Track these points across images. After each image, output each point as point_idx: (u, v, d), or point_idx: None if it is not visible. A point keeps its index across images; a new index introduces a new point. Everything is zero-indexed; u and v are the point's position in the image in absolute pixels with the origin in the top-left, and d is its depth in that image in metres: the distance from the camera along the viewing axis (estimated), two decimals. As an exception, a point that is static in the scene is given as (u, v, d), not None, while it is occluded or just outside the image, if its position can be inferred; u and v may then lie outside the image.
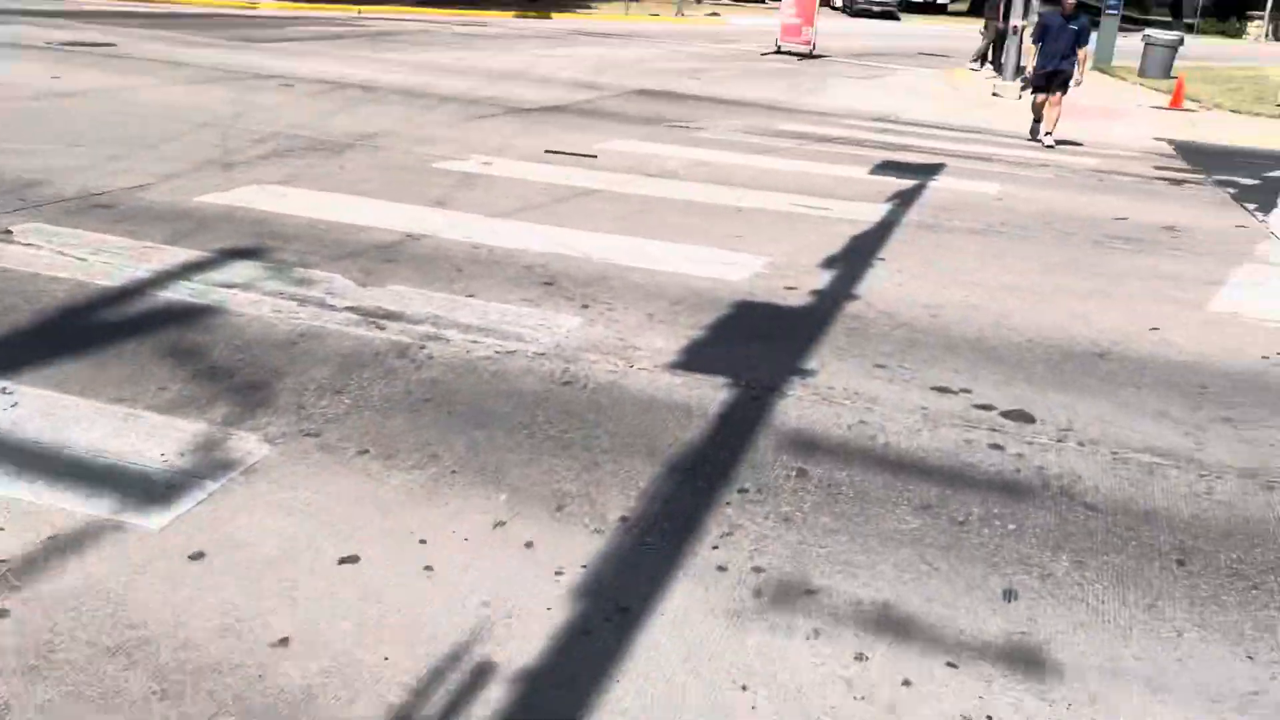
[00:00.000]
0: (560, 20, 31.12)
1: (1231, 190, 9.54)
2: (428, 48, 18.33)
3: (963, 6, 51.59)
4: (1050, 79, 11.61)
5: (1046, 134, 11.91)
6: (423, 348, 4.23)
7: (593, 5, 40.68)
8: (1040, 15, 12.48)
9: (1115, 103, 16.92)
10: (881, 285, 5.57)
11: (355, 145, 8.44)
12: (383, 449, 3.38)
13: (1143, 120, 15.24)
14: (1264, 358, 4.79)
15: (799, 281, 5.52)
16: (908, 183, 8.52)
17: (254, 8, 28.32)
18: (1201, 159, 11.91)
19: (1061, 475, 3.50)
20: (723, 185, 7.90)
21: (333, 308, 4.61)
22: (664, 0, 45.34)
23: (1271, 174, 11.03)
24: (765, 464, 3.45)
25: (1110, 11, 20.68)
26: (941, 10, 48.73)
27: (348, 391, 3.79)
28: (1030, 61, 11.96)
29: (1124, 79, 19.54)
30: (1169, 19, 56.16)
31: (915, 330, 4.87)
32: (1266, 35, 45.89)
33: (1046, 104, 11.83)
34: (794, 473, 3.40)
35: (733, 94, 14.90)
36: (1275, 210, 8.43)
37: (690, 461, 3.44)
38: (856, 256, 6.10)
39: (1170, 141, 13.61)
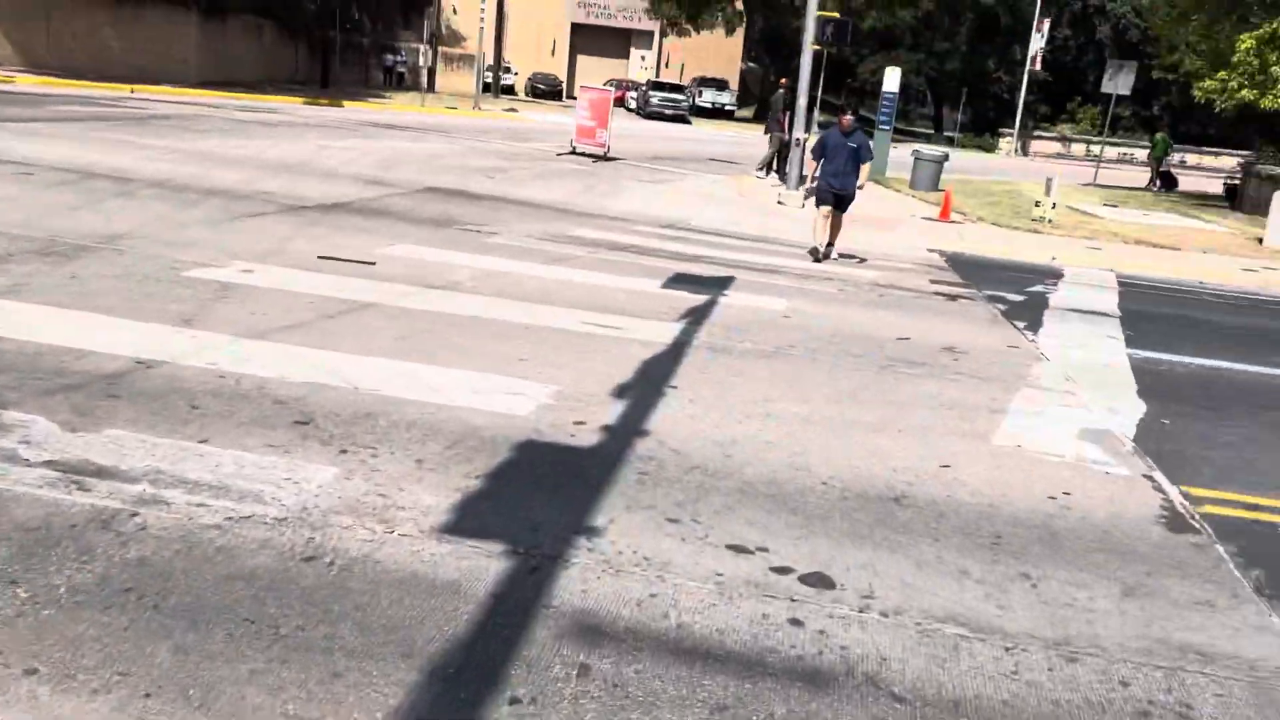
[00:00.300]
0: (352, 109, 30.40)
1: (1001, 307, 10.00)
2: (203, 134, 17.26)
3: (748, 114, 54.41)
4: (838, 200, 11.79)
5: (829, 245, 12.11)
6: (134, 515, 3.53)
7: (387, 95, 40.14)
8: (820, 132, 12.72)
9: (890, 213, 17.85)
10: (674, 418, 5.26)
11: (94, 249, 7.52)
12: (57, 666, 2.68)
13: (915, 231, 16.09)
14: (1050, 498, 4.76)
15: (588, 415, 5.14)
16: (699, 298, 8.40)
17: (9, 81, 26.15)
18: (971, 271, 12.56)
19: (866, 657, 3.19)
20: (512, 299, 7.49)
21: (26, 462, 3.82)
22: (461, 94, 45.46)
23: (1033, 289, 11.71)
24: (543, 661, 2.97)
25: (883, 127, 22.05)
26: (729, 116, 51.13)
27: (24, 582, 3.05)
28: (812, 173, 12.14)
29: (897, 190, 20.77)
30: (931, 131, 61.39)
31: (708, 473, 4.56)
32: (1015, 150, 50.64)
33: (830, 219, 11.96)
34: (575, 670, 2.94)
35: (528, 195, 14.68)
36: (1042, 329, 8.84)
37: (455, 662, 2.92)
38: (648, 384, 5.79)
39: (941, 253, 14.36)
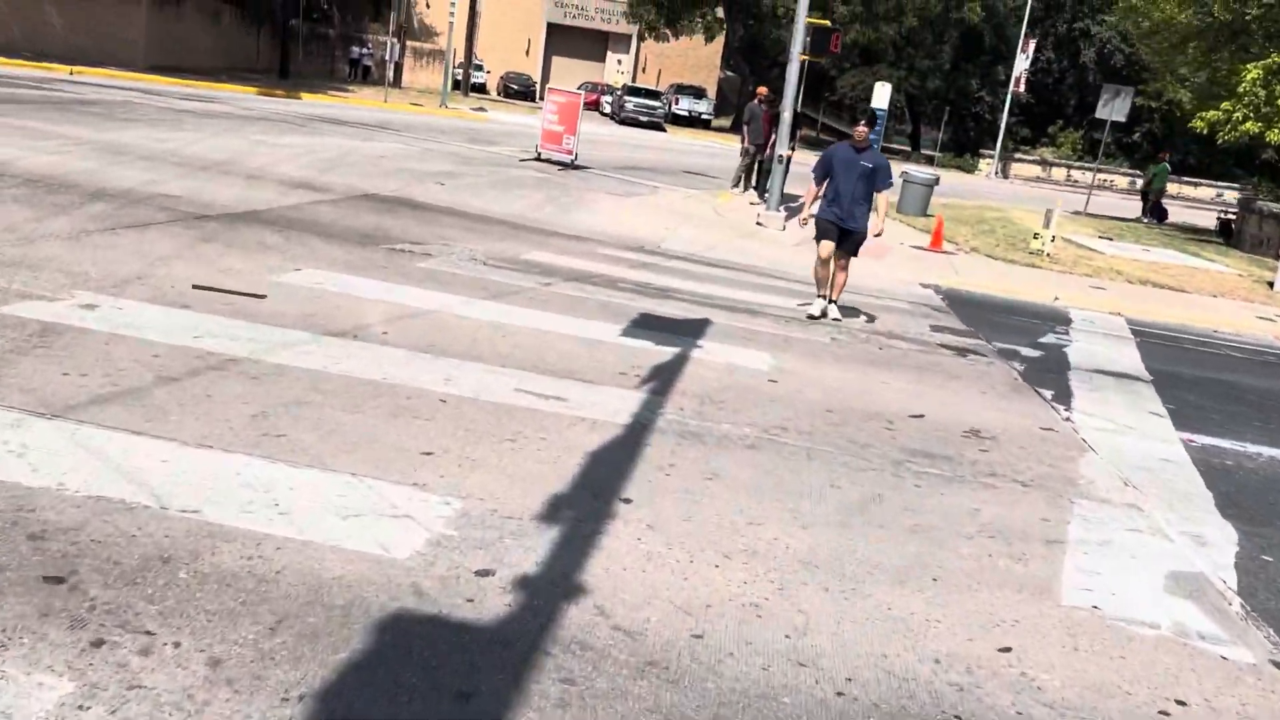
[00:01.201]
0: (309, 102, 28.63)
1: (1018, 366, 8.57)
2: (128, 124, 15.53)
3: (726, 123, 53.10)
4: (843, 237, 9.05)
5: (830, 302, 9.30)
6: None
7: (350, 89, 38.32)
8: (828, 150, 9.43)
9: (880, 241, 16.43)
10: (625, 559, 3.74)
11: (-101, 266, 5.88)
12: None
13: (907, 262, 14.70)
14: (1161, 714, 3.28)
15: (500, 556, 3.60)
16: (667, 351, 6.89)
17: (-71, 56, 24.16)
18: (973, 314, 11.16)
19: None
20: (429, 353, 5.93)
21: None
22: (429, 91, 43.72)
23: (1045, 339, 10.33)
24: None
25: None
26: (706, 125, 49.77)
27: None
28: (810, 201, 9.33)
29: (886, 214, 19.37)
30: (909, 148, 60.40)
31: (670, 676, 3.03)
32: (996, 173, 49.70)
33: (833, 262, 9.17)
34: None
35: (481, 207, 13.10)
36: (1075, 402, 7.42)
37: None
38: (593, 497, 4.26)
39: (937, 289, 12.98)
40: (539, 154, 19.85)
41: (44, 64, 26.03)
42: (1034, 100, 54.40)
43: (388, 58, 41.01)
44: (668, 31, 47.97)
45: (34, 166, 10.12)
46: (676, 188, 19.73)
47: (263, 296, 6.54)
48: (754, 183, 19.68)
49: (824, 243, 9.20)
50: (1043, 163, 52.68)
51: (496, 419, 4.98)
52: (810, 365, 7.33)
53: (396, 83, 44.31)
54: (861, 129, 9.08)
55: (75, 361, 4.78)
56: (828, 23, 16.31)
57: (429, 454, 4.40)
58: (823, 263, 9.25)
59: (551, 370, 5.97)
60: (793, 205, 18.59)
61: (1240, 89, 20.74)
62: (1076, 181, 52.20)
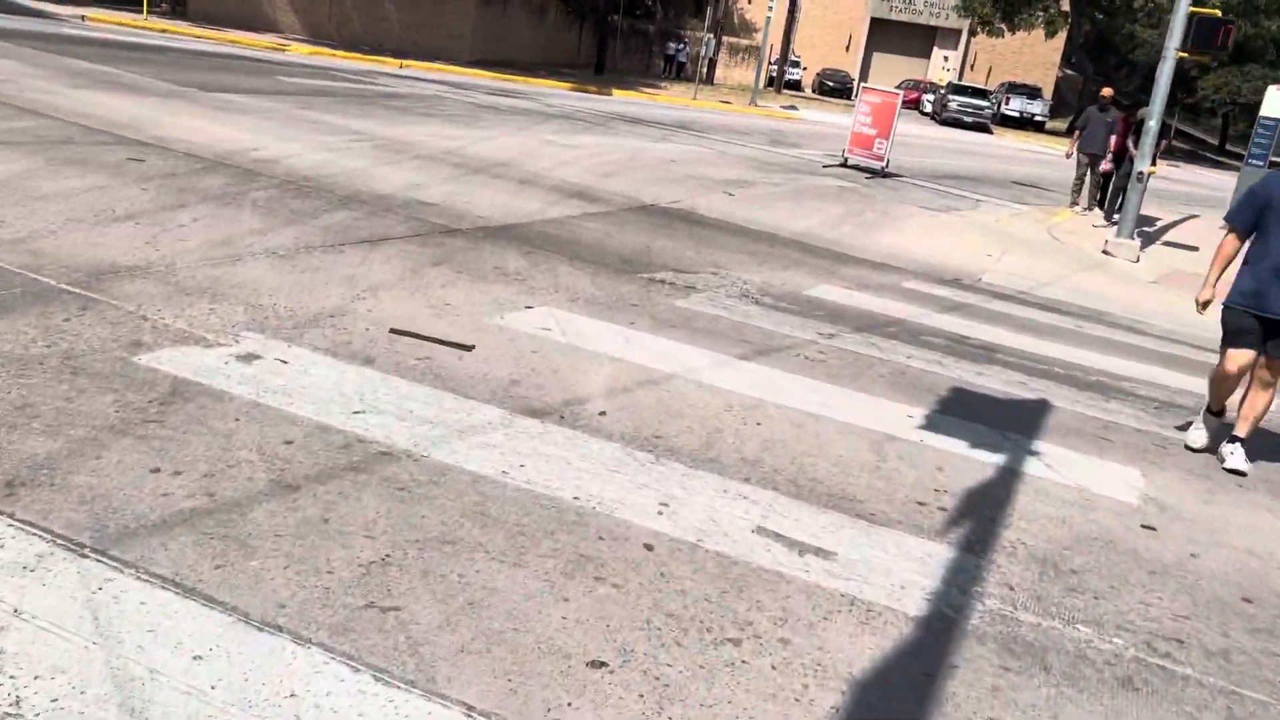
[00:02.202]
0: (617, 99, 28.26)
1: None
2: (423, 119, 15.30)
3: (1061, 125, 48.11)
4: (1269, 331, 5.42)
5: (1236, 441, 5.55)
6: None
7: (662, 85, 37.94)
8: (1265, 180, 5.68)
9: None
10: None
11: (62, 293, 5.12)
12: None
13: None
14: None
15: None
16: (988, 462, 4.92)
17: (279, 49, 25.90)
18: None
19: None
20: (651, 451, 4.37)
21: None
22: (741, 88, 42.61)
23: None
24: None
25: (1255, 163, 16.91)
26: (1039, 127, 45.24)
27: None
28: (1219, 267, 5.68)
29: None
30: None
31: None
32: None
33: (1251, 376, 5.59)
34: None
35: (770, 221, 11.48)
36: None
37: None
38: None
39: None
40: (845, 159, 17.92)
41: (378, 58, 27.30)
42: None
43: (703, 53, 40.37)
44: (1003, 26, 43.93)
45: (300, 166, 9.64)
46: (1003, 202, 17.12)
47: (470, 348, 5.27)
48: (1100, 201, 16.67)
49: (1237, 352, 5.52)
50: None
51: (719, 591, 3.32)
52: (1201, 497, 5.07)
53: (709, 79, 43.60)
54: None
55: (180, 448, 3.65)
56: (1217, 12, 13.15)
57: (600, 666, 2.83)
58: (1232, 367, 5.56)
59: (816, 493, 4.23)
60: (1148, 230, 15.50)
61: None
62: None
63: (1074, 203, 16.76)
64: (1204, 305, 5.79)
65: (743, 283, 8.09)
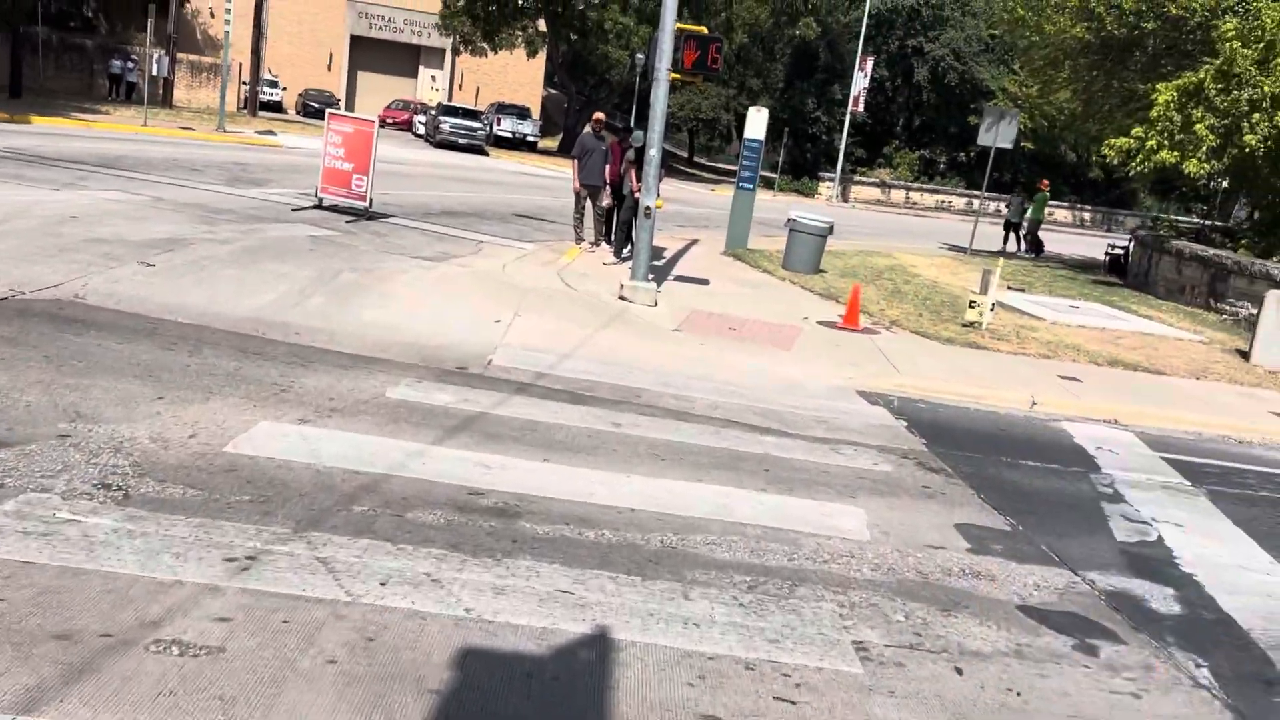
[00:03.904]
0: (35, 128, 22.60)
1: (1186, 660, 4.61)
2: None
3: (552, 145, 48.89)
4: None
5: None
6: None
7: (105, 110, 31.73)
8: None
9: (776, 314, 12.50)
10: None
11: None
12: None
13: (824, 350, 10.76)
14: None
15: None
16: None
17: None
18: (964, 460, 7.23)
19: None
20: None
21: None
22: (209, 111, 37.46)
23: (1104, 519, 6.49)
24: None
25: (745, 186, 16.76)
26: (532, 147, 45.35)
27: None
28: None
29: (767, 270, 15.49)
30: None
31: None
32: (836, 196, 47.46)
33: None
34: None
35: (203, 304, 8.29)
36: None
37: None
38: None
39: (886, 402, 9.07)
40: (320, 200, 14.97)
41: None
42: (869, 120, 52.69)
43: (155, 72, 34.79)
44: (485, 46, 43.33)
45: None
46: (507, 241, 15.25)
47: None
48: (606, 235, 15.43)
49: None
50: (882, 185, 50.97)
51: None
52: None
53: (167, 102, 37.92)
54: None
55: None
56: (704, 30, 12.25)
57: None
58: None
59: None
60: (658, 264, 14.45)
61: (1153, 114, 18.02)
62: (916, 204, 50.72)
63: (579, 238, 15.37)
64: None
65: (116, 447, 4.97)
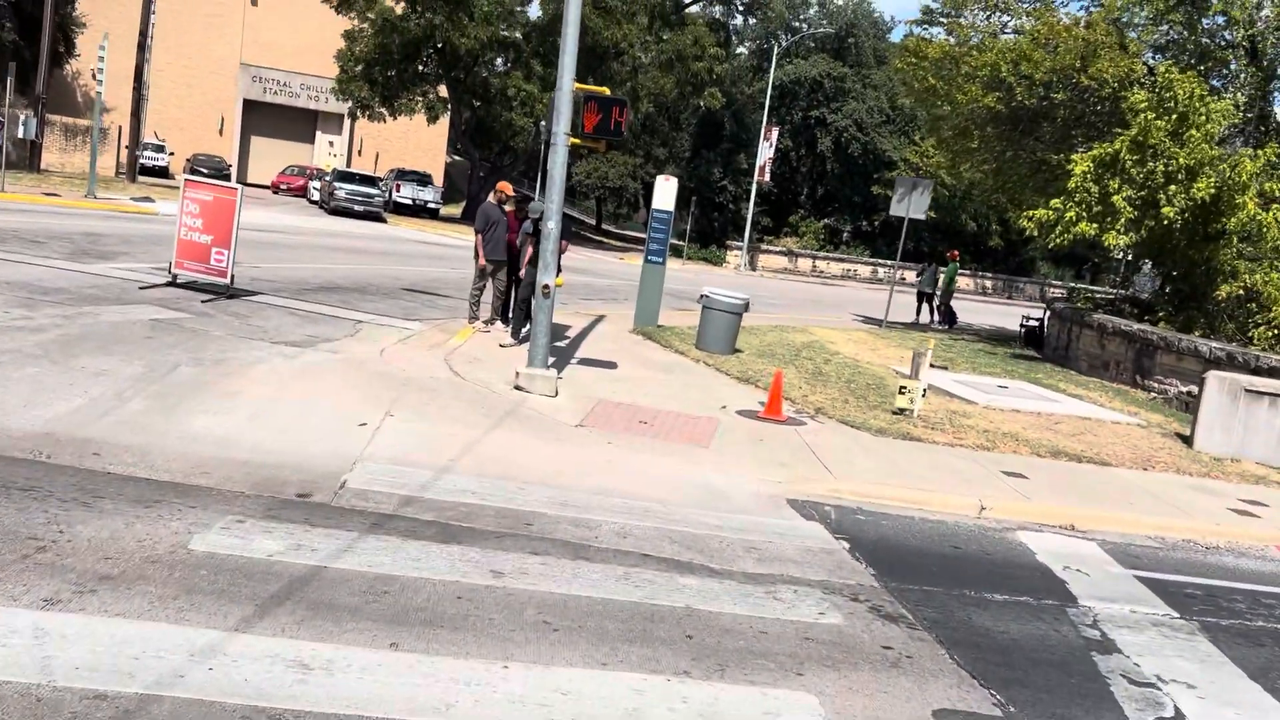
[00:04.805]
0: None
1: None
2: None
3: (455, 211, 47.44)
4: None
5: None
6: None
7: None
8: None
9: (691, 404, 11.18)
10: None
11: None
12: None
13: (746, 447, 9.45)
14: None
15: None
16: None
17: None
18: (917, 592, 5.95)
19: None
20: None
21: None
22: (81, 177, 35.01)
23: (1095, 680, 5.22)
24: None
25: (654, 260, 15.51)
26: (434, 214, 43.81)
27: None
28: None
29: (680, 352, 14.20)
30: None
31: None
32: (745, 265, 46.97)
33: None
34: None
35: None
36: None
37: None
38: None
39: (822, 515, 7.77)
40: (174, 276, 13.21)
41: None
42: (775, 189, 52.66)
43: (21, 134, 32.43)
44: (383, 111, 41.89)
45: None
46: (390, 320, 13.67)
47: None
48: (503, 313, 13.97)
49: None
50: (789, 253, 50.71)
51: None
52: None
53: (34, 165, 35.41)
54: None
55: None
56: (606, 90, 11.05)
57: None
58: None
59: None
60: (560, 345, 13.04)
61: (1070, 184, 17.48)
62: (822, 272, 50.53)
63: (473, 316, 13.88)
64: None
65: None
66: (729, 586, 5.89)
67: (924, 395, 11.82)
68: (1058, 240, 17.76)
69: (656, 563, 6.13)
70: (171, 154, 49.17)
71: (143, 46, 36.88)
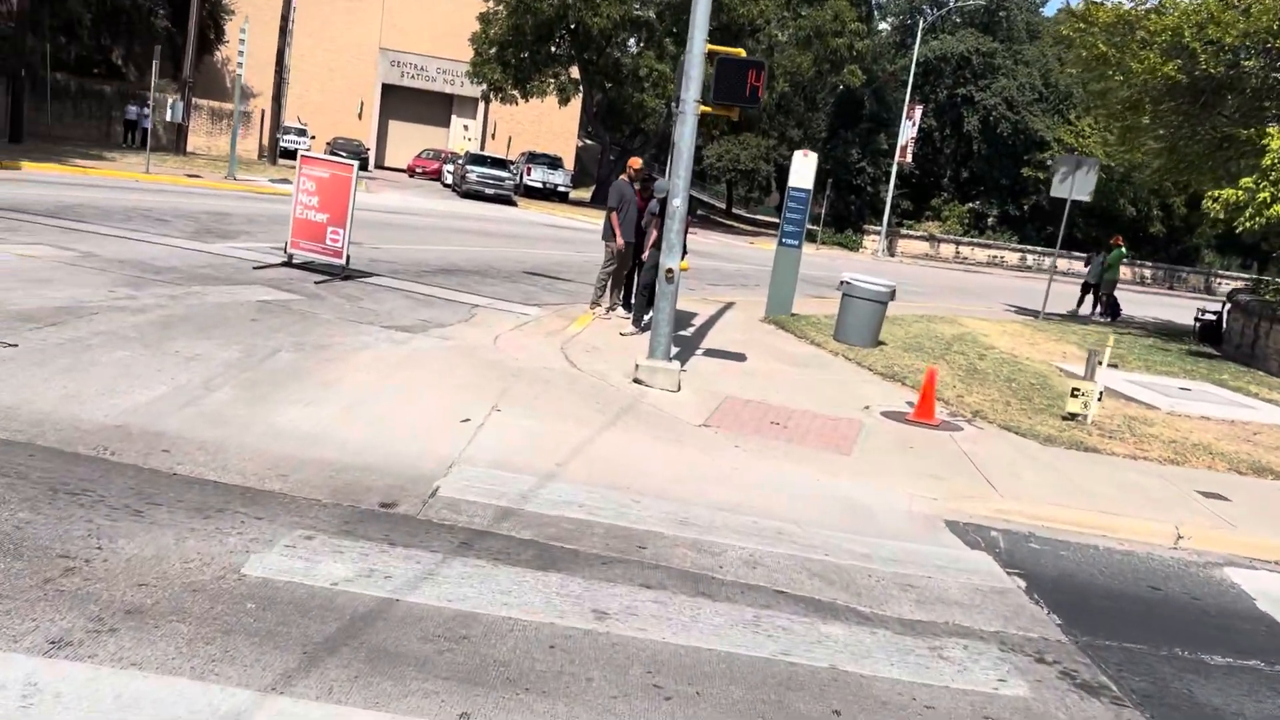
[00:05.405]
0: (24, 174, 20.85)
1: None
2: None
3: (585, 195, 46.95)
4: None
5: None
6: None
7: (110, 156, 30.14)
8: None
9: (829, 402, 10.02)
10: None
11: None
12: None
13: (892, 455, 8.26)
14: None
15: None
16: None
17: None
18: (1150, 686, 4.67)
19: None
20: None
21: None
22: (223, 159, 35.85)
23: None
24: None
25: (790, 242, 14.34)
26: (563, 198, 43.40)
27: None
28: None
29: (817, 344, 13.01)
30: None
31: None
32: (881, 251, 44.99)
33: None
34: None
35: (44, 404, 5.98)
36: None
37: None
38: None
39: (991, 544, 6.55)
40: (289, 256, 12.79)
41: None
42: (917, 171, 50.30)
43: (169, 117, 33.38)
44: (515, 94, 41.64)
45: None
46: (508, 305, 12.94)
47: None
48: (625, 300, 13.08)
49: None
50: (930, 238, 48.38)
51: None
52: None
53: (180, 148, 36.48)
54: None
55: None
56: (742, 52, 9.96)
57: None
58: None
59: None
60: (685, 334, 12.05)
61: (1265, 162, 15.45)
62: (966, 259, 47.96)
63: (595, 302, 13.02)
64: None
65: None
66: (883, 639, 4.80)
67: (1099, 400, 10.36)
68: (1248, 224, 15.74)
69: (793, 603, 5.08)
70: (313, 137, 50.20)
71: (284, 31, 37.47)
